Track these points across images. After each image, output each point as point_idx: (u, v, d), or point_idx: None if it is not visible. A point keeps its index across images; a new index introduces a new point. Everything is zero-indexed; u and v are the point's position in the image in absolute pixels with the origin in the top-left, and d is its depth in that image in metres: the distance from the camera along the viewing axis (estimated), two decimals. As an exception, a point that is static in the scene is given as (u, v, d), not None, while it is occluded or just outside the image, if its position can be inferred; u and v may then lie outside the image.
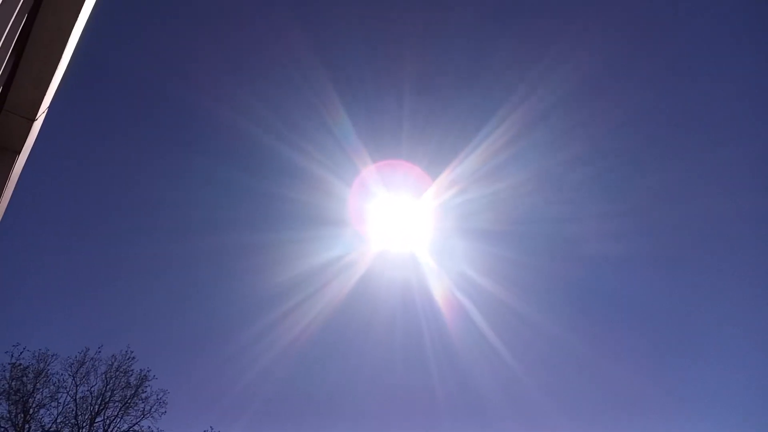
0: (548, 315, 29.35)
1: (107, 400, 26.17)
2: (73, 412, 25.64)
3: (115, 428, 25.89)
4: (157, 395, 26.64)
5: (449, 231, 28.71)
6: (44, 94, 4.08)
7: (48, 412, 25.35)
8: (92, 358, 26.66)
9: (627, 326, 31.02)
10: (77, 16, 3.63)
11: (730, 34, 24.25)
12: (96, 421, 25.78)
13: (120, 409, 26.18)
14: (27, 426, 24.61)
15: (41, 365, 25.63)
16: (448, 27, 25.50)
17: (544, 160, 26.69)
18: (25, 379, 25.10)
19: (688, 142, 26.91)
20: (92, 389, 26.24)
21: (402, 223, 29.00)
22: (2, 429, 24.09)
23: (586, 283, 30.00)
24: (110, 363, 26.77)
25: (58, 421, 25.34)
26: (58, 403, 25.63)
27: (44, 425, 25.06)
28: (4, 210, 4.76)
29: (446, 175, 26.76)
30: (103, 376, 26.54)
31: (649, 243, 28.47)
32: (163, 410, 26.37)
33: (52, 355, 26.02)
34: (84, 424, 25.54)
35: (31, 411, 24.84)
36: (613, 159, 27.29)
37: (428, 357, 29.48)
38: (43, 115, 4.40)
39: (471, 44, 25.81)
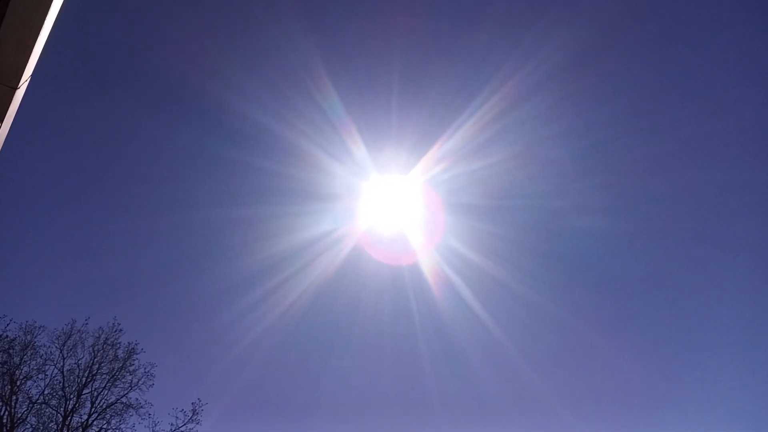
0: (536, 290, 29.58)
1: (95, 372, 26.20)
2: (60, 384, 25.68)
3: (103, 400, 25.98)
4: (145, 368, 26.71)
5: (437, 207, 28.77)
6: (27, 62, 3.99)
7: (35, 384, 25.42)
8: (79, 331, 26.65)
9: (613, 301, 31.35)
10: None
11: (720, 3, 24.30)
12: (83, 393, 25.84)
13: (107, 382, 26.24)
14: (14, 398, 24.64)
15: (28, 337, 25.62)
16: (433, 1, 25.45)
17: (530, 135, 26.76)
18: (11, 351, 25.07)
19: (674, 115, 27.03)
20: (79, 362, 26.27)
21: (390, 200, 29.05)
22: (-11, 401, 24.14)
23: (573, 258, 30.23)
24: (97, 335, 26.77)
25: (45, 393, 25.43)
26: (45, 375, 25.68)
27: (31, 397, 25.13)
28: None
29: (434, 151, 26.78)
30: (91, 348, 26.54)
31: (635, 216, 28.73)
32: (150, 383, 26.47)
33: (39, 327, 26.00)
34: (71, 396, 25.60)
35: (18, 383, 24.85)
36: (599, 133, 27.40)
37: (417, 333, 29.70)
38: (26, 84, 4.33)
39: (458, 19, 25.75)
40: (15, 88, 4.18)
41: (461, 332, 29.47)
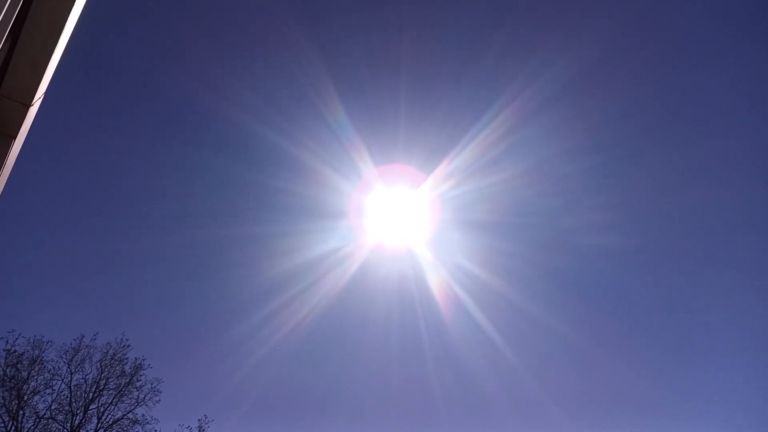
0: (544, 306, 29.45)
1: (102, 387, 26.23)
2: (68, 399, 25.70)
3: (109, 416, 25.97)
4: (152, 384, 26.78)
5: (446, 223, 28.77)
6: (40, 80, 4.03)
7: (42, 399, 25.46)
8: (87, 346, 26.79)
9: (621, 318, 31.13)
10: (74, 0, 3.63)
11: (726, 25, 24.34)
12: (90, 408, 25.86)
13: (114, 397, 26.26)
14: (21, 412, 24.64)
15: (36, 352, 25.70)
16: (443, 18, 25.60)
17: (539, 152, 26.79)
18: (19, 365, 25.11)
19: (682, 134, 27.05)
20: (87, 377, 26.36)
21: (398, 216, 29.07)
22: (-4, 415, 24.15)
23: (581, 275, 30.09)
24: (105, 351, 26.87)
25: (53, 408, 25.44)
26: (52, 390, 25.71)
27: (38, 412, 25.14)
28: (0, 195, 4.77)
29: (442, 168, 26.84)
30: (98, 363, 26.64)
31: (643, 234, 28.61)
32: (157, 399, 26.52)
33: (47, 342, 26.09)
34: (78, 412, 25.59)
35: (25, 397, 24.88)
36: (607, 151, 27.41)
37: (425, 348, 29.58)
38: (39, 101, 4.35)
39: (466, 36, 25.92)
40: (28, 105, 4.21)
41: (469, 348, 29.34)
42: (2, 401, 24.44)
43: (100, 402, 26.07)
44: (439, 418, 30.18)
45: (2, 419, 24.28)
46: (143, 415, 26.11)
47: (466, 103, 26.15)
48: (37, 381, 25.43)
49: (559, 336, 29.66)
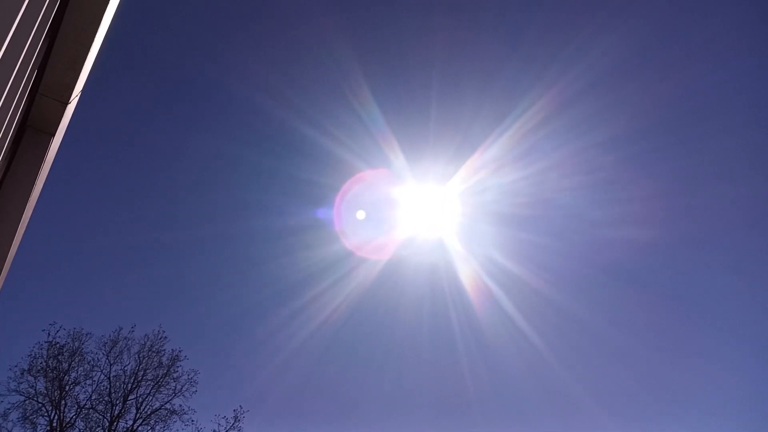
0: (574, 298, 29.43)
1: (140, 378, 26.74)
2: (107, 390, 26.24)
3: (147, 406, 26.45)
4: (188, 375, 27.19)
5: (476, 216, 28.78)
6: (77, 77, 4.10)
7: (83, 390, 26.09)
8: (125, 338, 27.27)
9: (652, 309, 30.96)
10: None
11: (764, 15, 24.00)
12: (129, 398, 26.36)
13: (152, 388, 26.75)
14: (63, 402, 25.20)
15: (76, 344, 26.23)
16: (475, 8, 25.49)
17: (570, 144, 26.62)
18: (60, 357, 25.68)
19: (717, 125, 26.70)
20: (125, 368, 26.86)
21: (429, 208, 29.11)
22: (40, 405, 24.73)
23: (613, 267, 29.99)
24: (143, 343, 27.31)
25: (93, 398, 26.00)
26: (92, 381, 26.33)
27: (79, 402, 25.69)
28: (39, 191, 4.87)
29: (474, 160, 26.80)
30: (136, 355, 27.14)
31: (678, 226, 28.41)
32: (194, 389, 26.91)
33: (86, 334, 26.59)
34: (117, 402, 26.12)
35: (67, 388, 25.45)
36: (640, 142, 27.16)
37: (456, 340, 29.68)
38: (77, 98, 4.44)
39: (500, 26, 25.78)
40: (66, 102, 4.31)
41: (502, 344, 29.39)
42: (45, 392, 25.07)
43: (139, 392, 26.64)
44: (469, 412, 30.38)
45: (45, 409, 24.90)
46: (180, 405, 26.65)
47: (497, 96, 26.05)
48: (77, 372, 26.10)
49: (590, 329, 29.70)
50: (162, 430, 26.10)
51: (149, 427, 26.07)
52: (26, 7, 2.66)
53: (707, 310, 30.64)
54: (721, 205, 27.99)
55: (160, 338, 27.51)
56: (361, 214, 28.84)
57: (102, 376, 26.44)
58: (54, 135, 4.60)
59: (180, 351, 27.56)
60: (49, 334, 25.64)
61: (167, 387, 26.87)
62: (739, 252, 29.09)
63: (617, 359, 30.80)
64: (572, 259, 29.43)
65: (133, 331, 27.39)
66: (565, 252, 29.27)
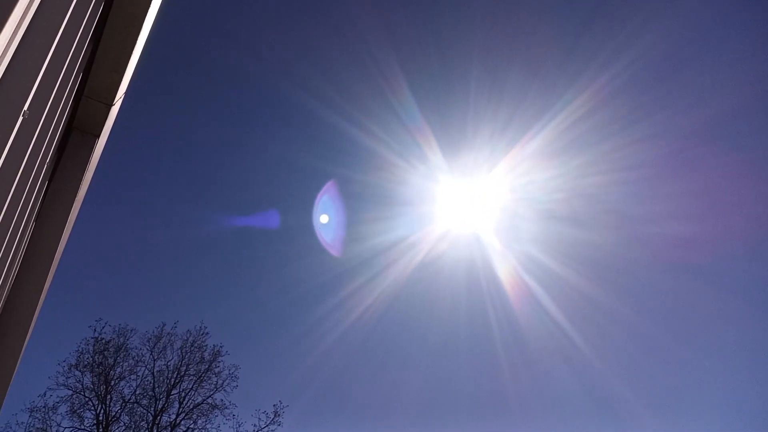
0: (616, 295, 28.87)
1: (182, 373, 27.21)
2: (151, 385, 26.79)
3: (190, 400, 26.92)
4: (229, 370, 27.58)
5: (515, 211, 28.47)
6: (121, 80, 4.20)
7: (128, 384, 26.64)
8: (168, 333, 27.78)
9: (704, 309, 30.11)
10: (151, 1, 3.74)
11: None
12: (172, 393, 26.86)
13: (194, 383, 27.20)
14: (109, 397, 25.83)
15: (121, 340, 26.85)
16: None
17: (613, 138, 26.06)
18: (106, 352, 26.31)
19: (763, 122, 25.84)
20: (168, 363, 27.36)
21: (466, 203, 28.92)
22: (87, 399, 25.42)
23: (655, 264, 29.32)
24: (185, 338, 27.83)
25: (137, 392, 26.59)
26: (136, 376, 26.88)
27: (124, 396, 26.30)
28: (85, 191, 4.97)
29: (513, 154, 26.52)
30: (179, 350, 27.63)
31: (721, 222, 27.60)
32: (234, 384, 27.28)
33: (131, 330, 27.21)
34: (161, 396, 26.66)
35: (112, 383, 26.08)
36: (685, 137, 26.44)
37: (494, 340, 29.45)
38: (120, 100, 4.55)
39: (541, 19, 25.37)
40: (110, 104, 4.42)
41: (537, 336, 29.04)
42: (92, 386, 25.72)
43: (181, 387, 27.11)
44: (507, 409, 30.14)
45: (92, 403, 25.55)
46: (221, 400, 27.06)
47: (539, 89, 25.67)
48: (122, 367, 26.67)
49: (632, 326, 29.10)
50: (204, 424, 26.56)
51: (191, 422, 26.54)
52: (72, 11, 2.71)
53: (757, 308, 29.67)
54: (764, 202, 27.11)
55: (202, 334, 28.00)
56: (397, 209, 28.87)
57: (146, 371, 27.06)
58: (99, 136, 4.72)
59: (221, 346, 28.04)
60: (95, 330, 26.32)
61: (209, 382, 27.31)
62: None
63: (660, 358, 30.12)
64: (614, 255, 28.84)
65: (176, 326, 27.96)
66: (606, 248, 28.70)
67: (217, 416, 26.68)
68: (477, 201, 28.57)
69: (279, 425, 26.74)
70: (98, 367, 25.96)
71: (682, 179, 27.13)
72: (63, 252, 4.86)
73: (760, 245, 28.18)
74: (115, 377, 26.28)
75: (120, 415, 25.93)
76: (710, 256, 28.93)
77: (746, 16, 24.15)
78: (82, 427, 25.05)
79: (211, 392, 27.08)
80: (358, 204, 29.10)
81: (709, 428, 29.02)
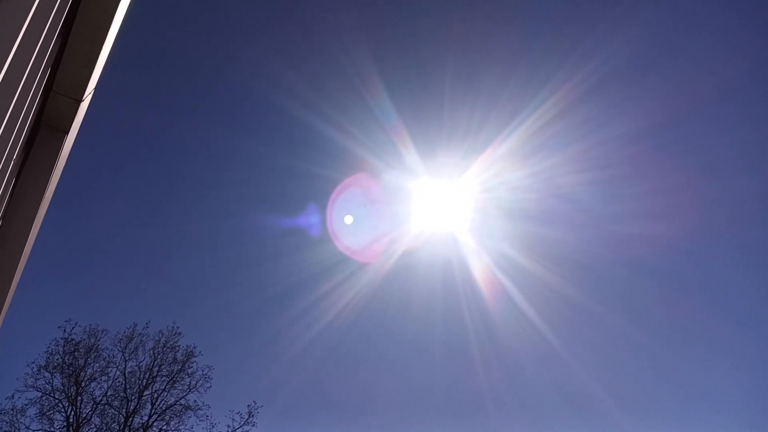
0: (587, 293, 29.26)
1: (155, 374, 26.92)
2: (122, 386, 26.46)
3: (162, 402, 26.64)
4: (203, 371, 27.33)
5: (490, 211, 28.67)
6: (90, 75, 4.13)
7: (99, 386, 26.29)
8: (140, 334, 27.45)
9: (667, 304, 30.67)
10: None
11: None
12: (144, 394, 26.56)
13: (167, 384, 26.92)
14: (79, 398, 25.44)
15: (92, 340, 26.47)
16: (492, 2, 25.40)
17: (584, 139, 26.44)
18: (77, 353, 25.89)
19: (730, 119, 26.41)
20: (140, 364, 27.05)
21: (441, 203, 29.06)
22: (57, 400, 24.99)
23: (626, 262, 29.79)
24: (157, 339, 27.51)
25: (108, 394, 26.23)
26: (108, 377, 26.52)
27: (95, 398, 25.92)
28: (54, 188, 4.90)
29: (487, 155, 26.71)
30: (151, 351, 27.33)
31: (694, 221, 28.14)
32: (208, 385, 27.06)
33: (102, 331, 26.81)
34: (133, 398, 26.33)
35: (83, 384, 25.69)
36: (654, 137, 26.92)
37: (469, 338, 29.62)
38: (90, 96, 4.47)
39: (513, 21, 25.63)
40: (80, 100, 4.33)
41: (511, 333, 29.29)
42: (62, 387, 25.30)
43: (154, 388, 26.81)
44: (481, 408, 30.33)
45: (62, 404, 25.14)
46: (195, 401, 26.80)
47: (512, 91, 25.89)
48: (93, 368, 26.28)
49: (604, 324, 29.51)
50: (177, 425, 26.28)
51: (164, 423, 26.26)
52: (37, 5, 2.67)
53: (723, 306, 30.34)
54: (737, 200, 27.73)
55: (174, 334, 27.70)
56: (372, 208, 28.88)
57: (117, 372, 26.69)
58: (68, 133, 4.62)
59: (194, 347, 27.77)
60: (65, 330, 25.89)
61: (182, 383, 27.04)
62: (758, 247, 28.78)
63: (632, 355, 30.60)
64: (586, 254, 29.24)
65: (147, 327, 27.63)
66: (579, 247, 29.09)
67: (190, 417, 26.50)
68: (452, 201, 28.75)
69: (253, 426, 26.61)
70: (68, 368, 25.55)
71: (651, 178, 27.63)
72: (31, 251, 4.78)
73: (728, 243, 28.84)
74: (85, 378, 25.89)
75: (91, 417, 25.56)
76: (680, 254, 29.52)
77: (710, 20, 24.68)
78: (52, 429, 24.64)
79: (184, 393, 26.87)
80: (337, 204, 29.03)
81: (682, 427, 29.62)
